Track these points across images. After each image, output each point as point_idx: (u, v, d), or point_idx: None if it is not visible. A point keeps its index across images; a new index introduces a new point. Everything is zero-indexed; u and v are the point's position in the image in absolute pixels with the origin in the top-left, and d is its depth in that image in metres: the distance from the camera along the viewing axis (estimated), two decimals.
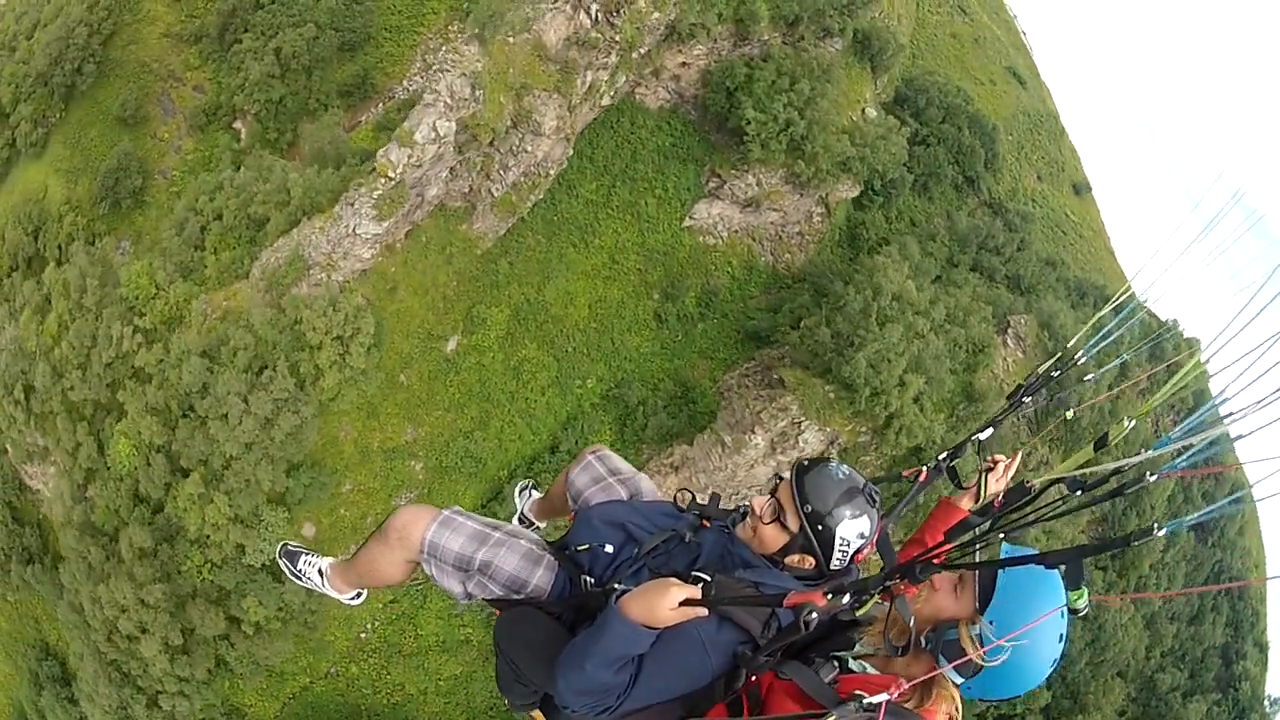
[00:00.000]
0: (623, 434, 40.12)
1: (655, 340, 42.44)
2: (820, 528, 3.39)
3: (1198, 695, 40.92)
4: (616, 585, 3.55)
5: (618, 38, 36.15)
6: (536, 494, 5.41)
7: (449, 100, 32.10)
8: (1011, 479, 4.48)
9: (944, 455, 4.53)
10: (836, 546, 3.40)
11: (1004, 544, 3.18)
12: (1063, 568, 2.86)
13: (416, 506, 4.08)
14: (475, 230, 39.15)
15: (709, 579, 3.27)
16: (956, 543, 3.06)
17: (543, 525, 5.25)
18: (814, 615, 2.93)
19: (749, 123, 41.09)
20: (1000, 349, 38.77)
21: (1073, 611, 2.99)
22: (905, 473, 4.53)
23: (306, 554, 4.75)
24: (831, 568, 3.46)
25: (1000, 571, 3.19)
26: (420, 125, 32.03)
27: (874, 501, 3.45)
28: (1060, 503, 2.95)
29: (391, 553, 4.01)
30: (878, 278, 37.85)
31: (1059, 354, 4.63)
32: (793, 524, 3.46)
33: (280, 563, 4.81)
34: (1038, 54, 58.75)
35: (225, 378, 31.20)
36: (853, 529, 3.38)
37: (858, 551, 3.45)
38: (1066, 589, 3.01)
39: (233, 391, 30.99)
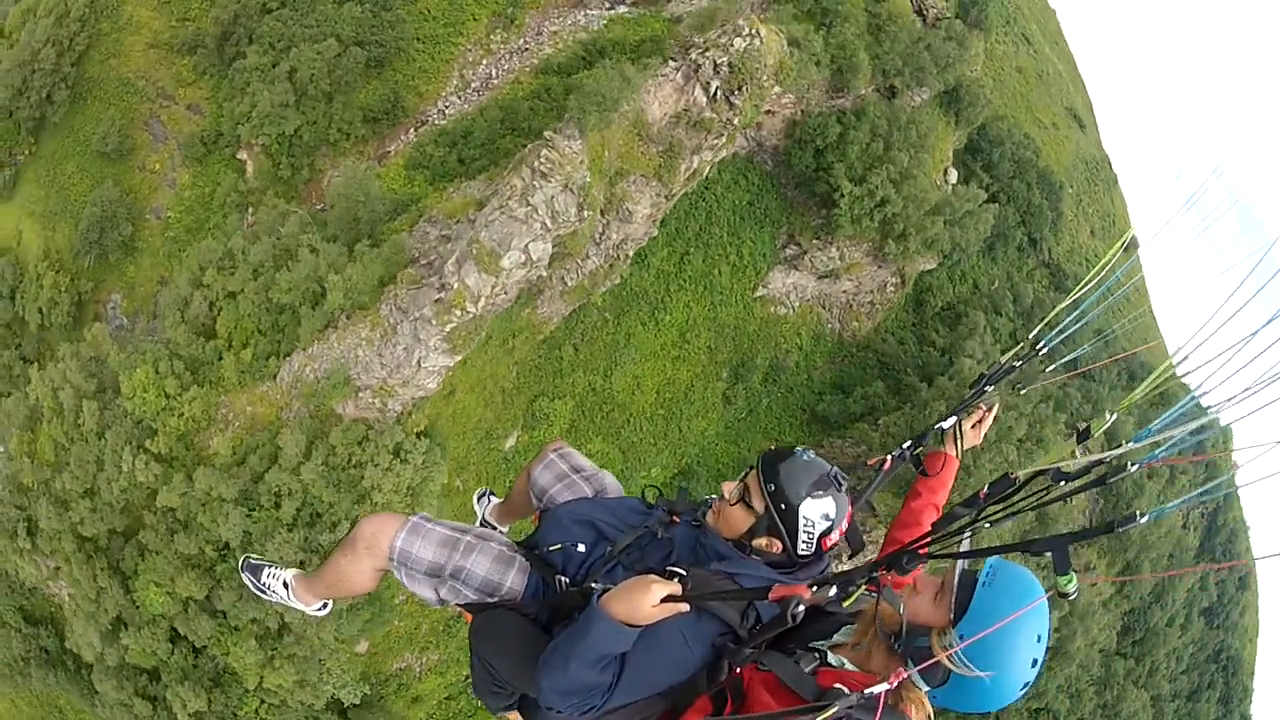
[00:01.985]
0: None
1: (720, 422, 36.28)
2: (784, 506, 3.07)
3: None
4: (594, 585, 3.19)
5: (735, 120, 27.81)
6: (496, 499, 4.82)
7: (548, 221, 23.74)
8: (987, 431, 4.33)
9: (907, 444, 4.07)
10: (801, 527, 3.08)
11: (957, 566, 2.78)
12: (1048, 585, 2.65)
13: (383, 515, 3.66)
14: (539, 315, 31.38)
15: (684, 573, 2.98)
16: (942, 533, 2.74)
17: (505, 529, 4.62)
18: (801, 609, 2.73)
19: (843, 195, 33.83)
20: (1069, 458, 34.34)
21: (1061, 595, 2.45)
22: (870, 461, 4.13)
23: (269, 566, 4.18)
24: (799, 551, 3.12)
25: (978, 587, 2.73)
26: (510, 250, 23.72)
27: (839, 485, 3.12)
28: (1045, 493, 2.70)
29: (359, 562, 3.60)
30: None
31: (1020, 344, 4.40)
32: (758, 504, 3.14)
33: (242, 576, 4.23)
34: (1093, 89, 51.84)
35: (277, 541, 23.94)
36: (816, 509, 3.07)
37: (824, 535, 3.11)
38: (1055, 574, 2.45)
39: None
